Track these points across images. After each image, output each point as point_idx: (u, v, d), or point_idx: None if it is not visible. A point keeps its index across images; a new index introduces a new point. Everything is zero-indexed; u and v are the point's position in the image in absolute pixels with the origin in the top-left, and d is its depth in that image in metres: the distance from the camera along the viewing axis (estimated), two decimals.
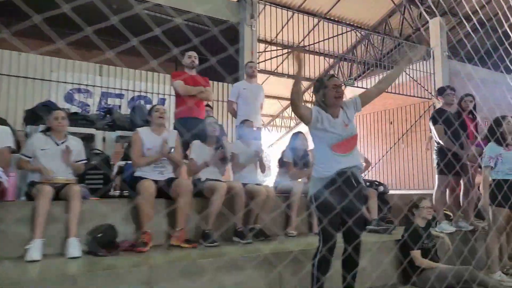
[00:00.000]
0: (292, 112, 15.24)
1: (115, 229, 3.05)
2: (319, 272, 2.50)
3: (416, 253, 3.50)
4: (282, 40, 12.37)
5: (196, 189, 3.61)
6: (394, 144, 12.41)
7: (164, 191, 3.33)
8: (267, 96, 16.47)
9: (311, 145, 4.77)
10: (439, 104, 4.80)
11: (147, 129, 3.52)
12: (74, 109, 6.13)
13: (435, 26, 11.24)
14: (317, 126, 2.53)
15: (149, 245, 3.06)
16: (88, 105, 6.28)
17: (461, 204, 4.52)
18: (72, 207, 2.88)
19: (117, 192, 3.70)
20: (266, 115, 18.66)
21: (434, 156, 4.45)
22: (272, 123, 19.00)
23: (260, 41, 12.50)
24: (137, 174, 3.38)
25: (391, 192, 7.76)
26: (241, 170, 3.92)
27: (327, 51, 13.06)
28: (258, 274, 2.97)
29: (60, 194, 3.02)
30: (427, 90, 11.01)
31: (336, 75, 12.46)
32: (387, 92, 11.34)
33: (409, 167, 11.78)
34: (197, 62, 4.52)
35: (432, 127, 4.39)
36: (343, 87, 2.62)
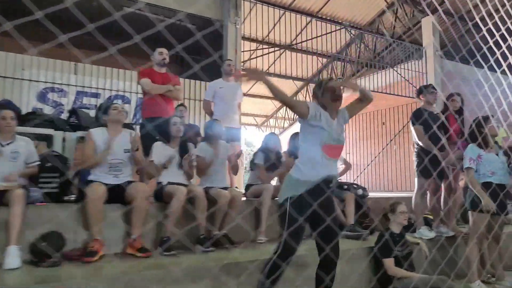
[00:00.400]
0: (286, 112, 15.14)
1: (63, 236, 2.84)
2: (268, 281, 2.29)
3: (389, 262, 3.29)
4: (274, 39, 12.20)
5: (157, 193, 3.43)
6: (387, 144, 12.21)
7: (121, 196, 3.14)
8: (260, 97, 16.44)
9: (284, 147, 4.60)
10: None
11: (101, 129, 3.30)
12: (47, 108, 5.93)
13: (428, 25, 11.05)
14: (313, 122, 2.37)
15: (99, 254, 2.85)
16: (62, 105, 6.06)
17: (442, 208, 4.31)
18: (13, 212, 2.67)
19: (73, 197, 3.49)
20: (260, 115, 18.49)
21: (414, 158, 4.25)
22: (266, 123, 18.80)
23: (251, 40, 12.35)
24: (90, 177, 3.17)
25: (382, 194, 7.58)
26: (207, 174, 3.70)
27: (319, 51, 12.91)
28: (214, 285, 2.76)
29: (3, 199, 2.81)
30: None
31: (329, 75, 12.33)
32: (379, 92, 11.19)
33: (402, 168, 11.57)
34: (168, 59, 4.32)
35: (412, 128, 4.18)
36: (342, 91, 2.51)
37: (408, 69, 11.05)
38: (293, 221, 2.27)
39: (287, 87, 15.99)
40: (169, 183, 3.41)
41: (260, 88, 15.45)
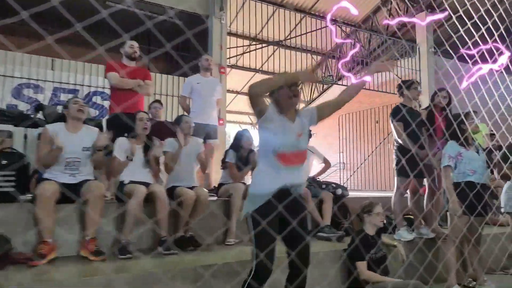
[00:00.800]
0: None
1: (7, 239, 2.67)
2: None
3: (361, 265, 3.12)
4: (261, 36, 12.00)
5: (118, 192, 3.27)
6: (380, 143, 12.03)
7: (77, 195, 2.97)
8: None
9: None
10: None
11: (59, 125, 3.13)
12: (22, 105, 5.77)
13: (421, 22, 10.86)
14: (267, 124, 2.13)
15: (48, 257, 2.68)
16: (39, 101, 5.88)
17: (425, 208, 4.13)
18: None
19: (30, 196, 3.32)
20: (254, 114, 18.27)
21: (394, 156, 4.08)
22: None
23: (243, 37, 12.16)
24: (45, 175, 3.00)
25: (372, 194, 7.40)
26: (173, 172, 3.53)
27: (314, 49, 12.73)
28: None
29: None
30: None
31: (323, 74, 11.92)
32: (373, 90, 11.03)
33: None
34: (138, 52, 4.15)
35: (392, 125, 4.01)
36: (299, 87, 2.29)
37: (401, 67, 10.89)
38: (259, 236, 2.04)
39: None
40: (131, 181, 3.24)
41: None
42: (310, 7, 12.37)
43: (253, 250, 2.08)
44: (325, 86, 13.98)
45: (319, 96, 14.68)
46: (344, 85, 11.80)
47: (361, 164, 12.59)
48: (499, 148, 5.05)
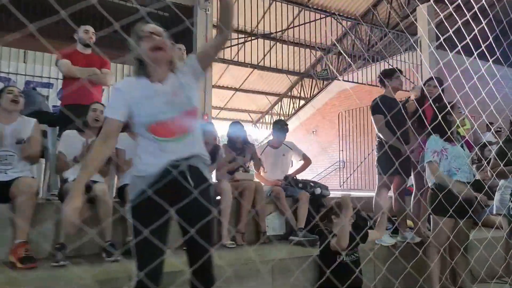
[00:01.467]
0: (282, 108, 14.53)
1: None
2: None
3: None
4: (263, 30, 11.64)
5: (60, 191, 2.96)
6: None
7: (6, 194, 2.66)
8: (253, 92, 15.89)
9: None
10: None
11: None
12: None
13: (423, 14, 10.43)
14: (133, 112, 1.71)
15: None
16: None
17: (412, 210, 3.76)
18: None
19: None
20: (255, 111, 17.97)
21: (375, 152, 3.71)
22: (261, 120, 18.27)
23: (240, 32, 11.82)
24: None
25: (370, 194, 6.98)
26: (128, 169, 3.21)
27: (313, 43, 12.33)
28: None
29: None
30: (413, 82, 10.21)
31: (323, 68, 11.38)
32: (374, 86, 10.59)
33: None
34: (94, 39, 3.83)
35: (372, 118, 3.64)
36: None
37: (402, 61, 10.46)
38: (137, 230, 1.63)
39: (281, 81, 15.47)
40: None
41: (255, 83, 14.97)
42: (308, 0, 11.99)
43: (133, 250, 1.69)
44: (325, 82, 13.57)
45: (319, 92, 14.30)
46: (345, 81, 11.43)
47: (361, 162, 12.17)
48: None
